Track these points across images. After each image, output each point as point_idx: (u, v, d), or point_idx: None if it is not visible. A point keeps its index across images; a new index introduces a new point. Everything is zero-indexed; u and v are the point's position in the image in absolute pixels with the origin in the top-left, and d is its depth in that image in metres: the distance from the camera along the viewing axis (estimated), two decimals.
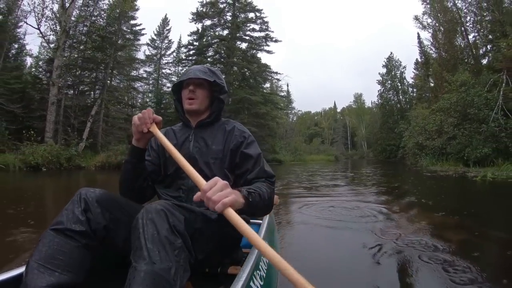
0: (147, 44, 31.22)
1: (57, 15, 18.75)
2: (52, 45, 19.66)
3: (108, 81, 21.39)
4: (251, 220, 1.69)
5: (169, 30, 34.20)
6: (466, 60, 20.87)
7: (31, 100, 18.05)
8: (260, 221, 1.85)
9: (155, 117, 1.23)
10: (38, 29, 18.94)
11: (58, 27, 18.66)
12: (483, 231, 3.20)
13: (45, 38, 18.86)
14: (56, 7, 19.00)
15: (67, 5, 17.95)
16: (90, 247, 1.03)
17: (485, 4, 20.00)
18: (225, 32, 27.21)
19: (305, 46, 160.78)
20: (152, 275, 0.82)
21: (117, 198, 1.20)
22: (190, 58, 27.84)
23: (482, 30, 20.72)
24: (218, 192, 0.92)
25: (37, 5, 18.58)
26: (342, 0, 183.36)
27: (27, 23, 19.55)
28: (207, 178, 1.12)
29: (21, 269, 1.04)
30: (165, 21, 34.37)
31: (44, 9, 18.71)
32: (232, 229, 1.12)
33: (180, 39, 34.31)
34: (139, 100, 29.08)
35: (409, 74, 36.69)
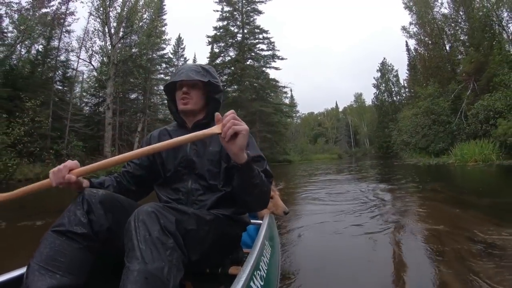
0: (166, 63, 36.05)
1: (104, 50, 23.69)
2: (96, 74, 24.65)
3: (142, 100, 26.24)
4: (252, 221, 1.73)
5: (183, 49, 39.08)
6: (443, 69, 24.65)
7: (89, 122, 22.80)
8: (260, 221, 1.99)
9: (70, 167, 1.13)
10: (90, 62, 23.95)
11: (105, 59, 23.53)
12: (407, 185, 7.85)
13: (97, 70, 23.80)
14: (98, 42, 24.07)
15: (115, 42, 22.80)
16: (92, 249, 1.06)
17: (460, 20, 24.12)
18: (237, 51, 32.10)
19: (301, 49, 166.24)
20: (145, 274, 0.85)
21: (119, 199, 1.22)
22: None
23: (456, 42, 24.07)
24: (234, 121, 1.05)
25: (86, 40, 23.71)
26: (337, 6, 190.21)
27: (80, 58, 24.34)
28: (206, 181, 1.37)
29: (22, 270, 1.09)
30: (179, 40, 39.20)
31: (93, 45, 23.84)
32: (230, 229, 1.36)
33: (194, 57, 39.25)
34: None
35: (404, 75, 41.07)
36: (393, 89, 40.23)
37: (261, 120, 28.98)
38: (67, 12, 21.30)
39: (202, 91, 1.49)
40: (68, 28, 21.86)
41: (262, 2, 33.00)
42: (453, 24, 24.11)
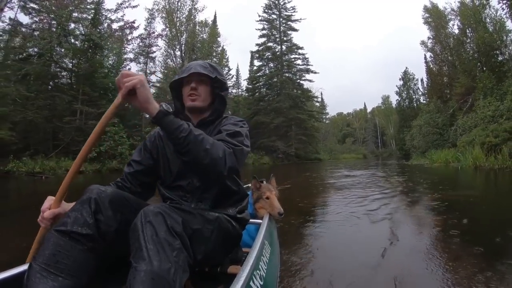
0: None
1: (175, 70, 31.83)
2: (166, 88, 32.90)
3: None
4: (250, 220, 1.82)
5: (227, 59, 46.85)
6: (448, 86, 30.03)
7: None
8: (260, 221, 2.08)
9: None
10: (166, 80, 32.24)
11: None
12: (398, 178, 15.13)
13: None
14: (171, 63, 32.34)
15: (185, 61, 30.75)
16: (95, 250, 1.09)
17: (468, 40, 27.58)
18: (276, 65, 39.74)
19: (325, 47, 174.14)
20: (151, 275, 0.89)
21: (128, 198, 1.27)
22: (256, 85, 41.11)
23: (461, 64, 27.73)
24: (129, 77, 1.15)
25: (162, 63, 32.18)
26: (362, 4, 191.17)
27: (156, 70, 32.73)
28: (210, 179, 1.40)
29: (22, 268, 1.14)
30: (223, 52, 47.00)
31: (167, 66, 32.14)
32: (232, 228, 1.42)
33: (237, 67, 47.30)
34: None
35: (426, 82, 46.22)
36: (413, 97, 46.52)
37: (296, 125, 36.48)
38: (151, 42, 29.57)
39: (209, 87, 1.55)
40: (151, 55, 30.21)
41: (297, 21, 40.63)
42: (461, 45, 27.68)
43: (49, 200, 1.27)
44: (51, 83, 21.69)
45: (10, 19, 19.76)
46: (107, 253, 1.15)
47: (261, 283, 1.29)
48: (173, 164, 1.50)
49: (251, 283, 1.16)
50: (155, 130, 1.62)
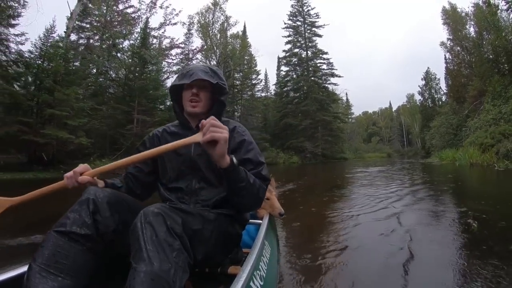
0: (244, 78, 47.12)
1: None
2: None
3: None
4: (250, 220, 1.91)
5: (255, 64, 50.36)
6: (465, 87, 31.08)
7: None
8: (260, 221, 2.11)
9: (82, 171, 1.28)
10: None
11: None
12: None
13: None
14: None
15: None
16: (95, 251, 1.12)
17: (485, 43, 28.48)
18: (302, 70, 43.42)
19: (355, 46, 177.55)
20: (151, 275, 0.91)
21: (126, 198, 1.32)
22: (284, 89, 45.04)
23: (477, 66, 28.80)
24: (218, 128, 1.12)
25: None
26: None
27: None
28: (210, 181, 1.47)
29: (22, 269, 1.16)
30: (252, 57, 50.46)
31: None
32: (232, 228, 1.46)
33: (266, 72, 51.13)
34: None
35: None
36: (435, 96, 48.49)
37: (323, 126, 39.89)
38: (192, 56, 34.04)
39: (210, 92, 1.58)
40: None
41: (321, 27, 44.13)
42: (478, 47, 28.19)
43: (83, 167, 1.31)
44: (107, 94, 26.01)
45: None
46: (106, 253, 1.20)
47: (261, 283, 1.33)
48: (171, 166, 1.55)
49: (251, 283, 1.20)
50: (154, 132, 1.70)
